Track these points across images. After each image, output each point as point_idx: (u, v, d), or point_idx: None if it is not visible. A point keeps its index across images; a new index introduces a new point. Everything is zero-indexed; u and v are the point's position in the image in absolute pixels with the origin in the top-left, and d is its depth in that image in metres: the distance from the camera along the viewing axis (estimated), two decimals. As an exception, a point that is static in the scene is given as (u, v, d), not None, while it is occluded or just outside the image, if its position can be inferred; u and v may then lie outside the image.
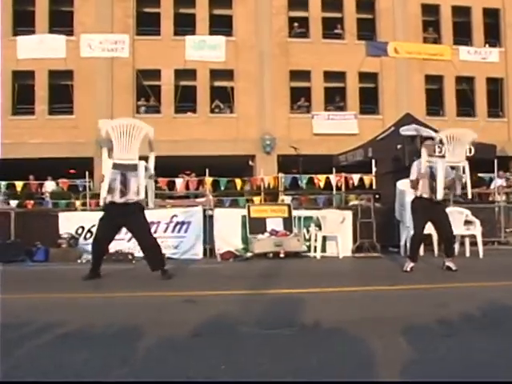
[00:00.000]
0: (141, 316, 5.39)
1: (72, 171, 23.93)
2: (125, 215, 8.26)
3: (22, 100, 26.59)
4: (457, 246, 12.04)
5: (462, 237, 12.02)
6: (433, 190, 9.11)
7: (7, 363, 3.73)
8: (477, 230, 11.87)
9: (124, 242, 11.21)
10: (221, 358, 3.81)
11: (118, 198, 8.28)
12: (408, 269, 9.10)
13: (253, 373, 3.54)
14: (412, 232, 9.62)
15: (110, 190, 8.27)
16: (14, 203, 18.02)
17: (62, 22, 26.65)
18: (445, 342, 4.23)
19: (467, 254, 11.85)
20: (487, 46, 29.52)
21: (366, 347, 4.03)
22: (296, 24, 28.69)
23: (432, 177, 9.14)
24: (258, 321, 5.10)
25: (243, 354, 3.94)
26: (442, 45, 29.18)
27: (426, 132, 16.33)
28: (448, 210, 12.17)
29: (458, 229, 11.80)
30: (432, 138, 9.89)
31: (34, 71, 26.69)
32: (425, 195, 9.16)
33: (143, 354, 3.98)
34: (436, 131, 16.90)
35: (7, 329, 4.77)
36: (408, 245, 10.10)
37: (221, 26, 27.54)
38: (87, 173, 19.74)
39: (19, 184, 19.52)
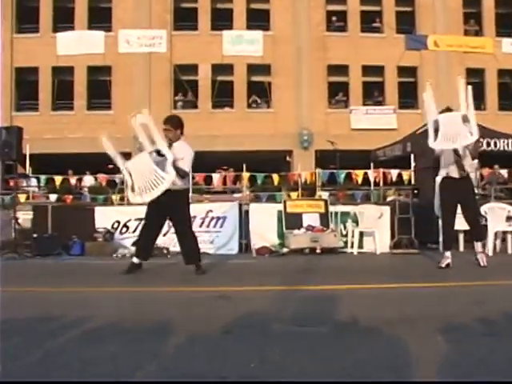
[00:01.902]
0: (173, 311, 5.32)
1: (110, 166, 24.08)
2: (170, 203, 8.09)
3: (62, 96, 26.94)
4: (498, 243, 11.77)
5: (504, 233, 11.76)
6: (458, 165, 8.75)
7: (35, 356, 3.69)
8: (520, 226, 11.56)
9: (159, 236, 11.17)
10: (252, 356, 3.69)
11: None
12: (443, 265, 8.77)
13: (285, 372, 3.42)
14: (441, 221, 9.28)
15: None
16: (53, 197, 18.23)
17: (100, 18, 26.96)
18: (486, 341, 4.05)
19: (509, 251, 11.56)
20: (531, 37, 28.85)
21: (403, 347, 3.87)
22: (334, 18, 28.44)
23: (455, 151, 8.74)
24: (292, 317, 4.98)
25: (276, 352, 3.81)
26: (483, 37, 28.62)
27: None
28: (489, 205, 11.97)
29: (499, 225, 11.55)
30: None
31: (73, 67, 27.05)
32: (451, 174, 8.78)
33: (173, 350, 3.89)
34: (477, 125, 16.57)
35: (38, 322, 4.75)
36: (440, 236, 9.69)
37: (258, 20, 27.49)
38: (125, 168, 19.80)
39: (58, 179, 19.72)
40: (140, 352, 3.83)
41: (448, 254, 8.91)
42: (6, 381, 3.19)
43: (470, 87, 8.93)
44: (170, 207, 8.13)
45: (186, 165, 8.14)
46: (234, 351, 3.85)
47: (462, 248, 11.74)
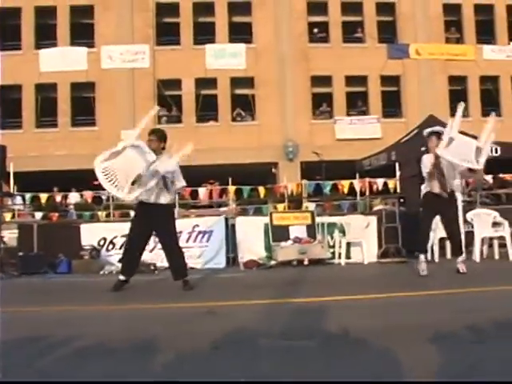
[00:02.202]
0: (161, 328, 5.28)
1: (96, 183, 23.98)
2: (156, 218, 8.10)
3: (45, 113, 26.87)
4: (485, 249, 11.82)
5: (491, 239, 11.80)
6: (442, 185, 8.81)
7: (25, 375, 3.68)
8: (505, 231, 11.58)
9: (146, 253, 11.11)
10: (241, 371, 3.68)
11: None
12: (425, 273, 8.81)
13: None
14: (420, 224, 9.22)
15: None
16: (38, 215, 18.12)
17: (83, 35, 26.98)
18: (474, 349, 4.06)
19: (496, 257, 11.61)
20: (512, 43, 29.14)
21: (393, 357, 3.87)
22: (316, 29, 28.60)
23: (440, 172, 8.82)
24: (280, 331, 4.96)
25: (265, 367, 3.80)
26: (465, 44, 28.90)
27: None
28: (475, 211, 12.02)
29: (486, 231, 11.60)
30: (438, 133, 9.36)
31: (56, 84, 26.97)
32: (434, 190, 8.86)
33: (162, 367, 3.87)
34: (461, 133, 16.67)
35: (27, 342, 4.71)
36: (418, 239, 9.63)
37: (241, 33, 27.61)
38: (111, 184, 19.71)
39: (43, 196, 19.60)
40: (129, 369, 3.82)
41: (423, 257, 8.99)
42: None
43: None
44: (156, 222, 8.12)
45: (180, 179, 8.24)
46: (223, 367, 3.83)
47: (449, 255, 11.76)
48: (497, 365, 3.68)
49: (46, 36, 27.16)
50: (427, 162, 8.95)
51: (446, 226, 9.24)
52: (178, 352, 4.27)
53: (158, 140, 8.19)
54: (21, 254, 11.72)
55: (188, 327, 5.37)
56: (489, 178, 18.22)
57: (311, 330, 4.98)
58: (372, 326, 5.03)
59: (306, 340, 4.54)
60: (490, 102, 28.68)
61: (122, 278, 8.30)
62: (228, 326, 5.18)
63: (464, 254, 9.20)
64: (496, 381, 3.24)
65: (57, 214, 18.92)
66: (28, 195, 19.78)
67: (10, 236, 12.92)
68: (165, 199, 8.16)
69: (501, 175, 17.95)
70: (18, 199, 20.24)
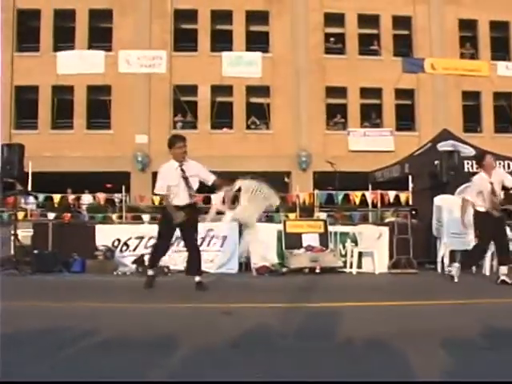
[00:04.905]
0: (177, 326, 5.39)
1: (109, 185, 24.17)
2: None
3: (62, 114, 27.08)
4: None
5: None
6: (494, 204, 9.27)
7: (44, 364, 3.78)
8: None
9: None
10: (259, 368, 3.77)
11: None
12: (456, 278, 9.49)
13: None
14: (477, 242, 9.65)
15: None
16: (51, 216, 18.22)
17: (101, 38, 27.19)
18: (485, 355, 4.13)
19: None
20: (526, 60, 29.17)
21: (404, 361, 3.95)
22: (332, 39, 28.73)
23: (493, 192, 9.28)
24: (295, 333, 5.06)
25: (282, 365, 3.89)
26: (479, 60, 28.92)
27: (463, 148, 16.16)
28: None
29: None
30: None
31: (73, 86, 27.19)
32: (490, 210, 9.30)
33: (179, 361, 3.96)
34: (474, 147, 16.71)
35: (46, 333, 4.84)
36: (469, 254, 10.05)
37: (257, 42, 27.75)
38: (124, 187, 19.87)
39: (57, 197, 19.73)
40: (146, 362, 3.90)
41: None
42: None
43: None
44: (188, 220, 8.40)
45: (209, 174, 9.03)
46: (241, 364, 3.92)
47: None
48: (506, 370, 3.76)
49: (64, 39, 27.39)
50: (481, 182, 9.44)
51: (496, 238, 9.57)
52: (195, 348, 4.36)
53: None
54: (35, 251, 11.82)
55: (205, 326, 5.47)
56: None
57: (325, 332, 5.07)
58: (385, 330, 5.11)
59: (321, 342, 4.63)
60: (503, 119, 28.75)
61: (150, 272, 8.62)
62: (245, 327, 5.28)
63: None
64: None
65: (69, 215, 19.03)
66: (41, 195, 19.90)
67: (24, 235, 13.00)
68: (191, 199, 8.53)
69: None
70: (31, 199, 20.37)
